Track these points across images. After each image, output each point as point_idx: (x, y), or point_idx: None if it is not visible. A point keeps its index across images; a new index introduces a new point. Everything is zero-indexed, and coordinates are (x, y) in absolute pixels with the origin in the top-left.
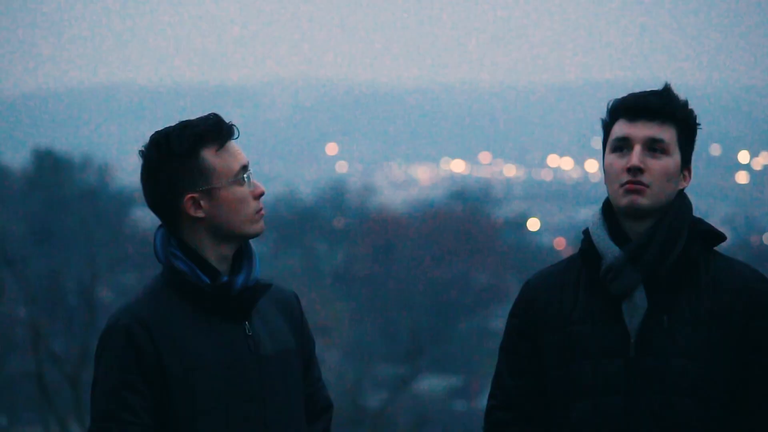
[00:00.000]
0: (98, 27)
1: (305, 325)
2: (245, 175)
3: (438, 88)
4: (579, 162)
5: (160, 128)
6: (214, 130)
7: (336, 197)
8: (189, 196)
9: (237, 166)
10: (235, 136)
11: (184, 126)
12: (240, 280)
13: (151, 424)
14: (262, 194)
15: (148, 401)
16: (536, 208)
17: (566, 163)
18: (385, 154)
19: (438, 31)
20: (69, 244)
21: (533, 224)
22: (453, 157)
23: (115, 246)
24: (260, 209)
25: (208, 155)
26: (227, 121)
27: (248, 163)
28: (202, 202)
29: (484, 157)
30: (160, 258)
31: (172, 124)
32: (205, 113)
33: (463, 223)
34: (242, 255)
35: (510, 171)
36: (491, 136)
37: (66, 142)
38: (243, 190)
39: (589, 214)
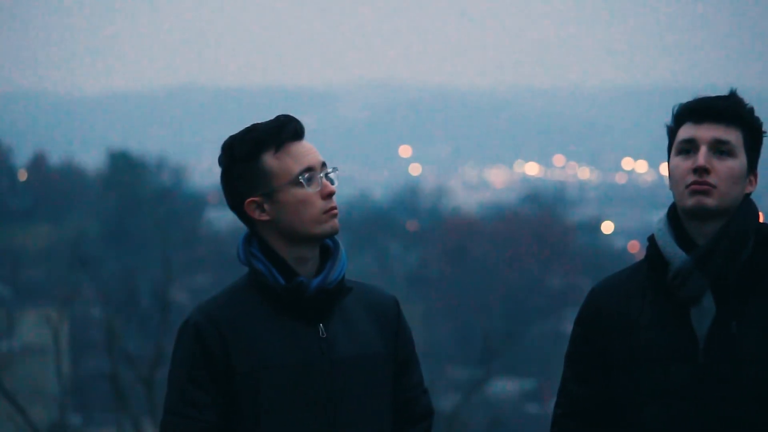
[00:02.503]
0: (176, 29)
1: (402, 331)
2: (306, 176)
3: (512, 91)
4: (654, 165)
5: (233, 130)
6: (273, 133)
7: (409, 199)
8: (250, 200)
9: (297, 168)
10: (300, 137)
11: (249, 130)
12: (316, 281)
13: (215, 421)
14: (331, 194)
15: (214, 398)
16: (610, 211)
17: (641, 166)
18: (459, 156)
19: (512, 35)
20: (143, 245)
21: (607, 227)
22: (527, 159)
23: (189, 247)
24: (330, 209)
25: (267, 158)
26: (298, 122)
27: (318, 163)
28: (265, 206)
29: (558, 159)
30: (241, 258)
31: (245, 126)
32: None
33: (537, 226)
34: (328, 256)
35: (584, 174)
36: (565, 138)
37: (141, 143)
38: (304, 192)
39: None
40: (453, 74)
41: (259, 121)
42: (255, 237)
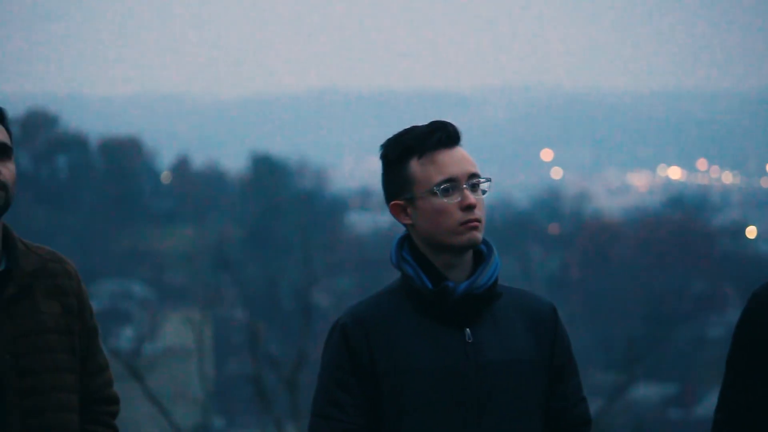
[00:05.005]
0: (320, 33)
1: (560, 338)
2: (443, 187)
3: (655, 95)
4: None
5: (374, 134)
6: (421, 139)
7: (551, 203)
8: (395, 202)
9: (437, 178)
10: (450, 145)
11: (402, 133)
12: (463, 286)
13: (362, 423)
14: (471, 206)
15: (360, 400)
16: (754, 215)
17: None
18: (601, 160)
19: (654, 38)
20: (285, 248)
21: (751, 232)
22: (670, 164)
23: (331, 251)
24: (468, 221)
25: (413, 164)
26: (450, 129)
27: (463, 174)
28: (408, 210)
29: (702, 164)
30: (393, 262)
31: (393, 130)
32: (422, 120)
33: (680, 230)
34: (481, 261)
35: (727, 178)
36: (709, 142)
37: (283, 146)
38: (440, 202)
39: None
40: (595, 78)
41: (416, 125)
42: (407, 240)
